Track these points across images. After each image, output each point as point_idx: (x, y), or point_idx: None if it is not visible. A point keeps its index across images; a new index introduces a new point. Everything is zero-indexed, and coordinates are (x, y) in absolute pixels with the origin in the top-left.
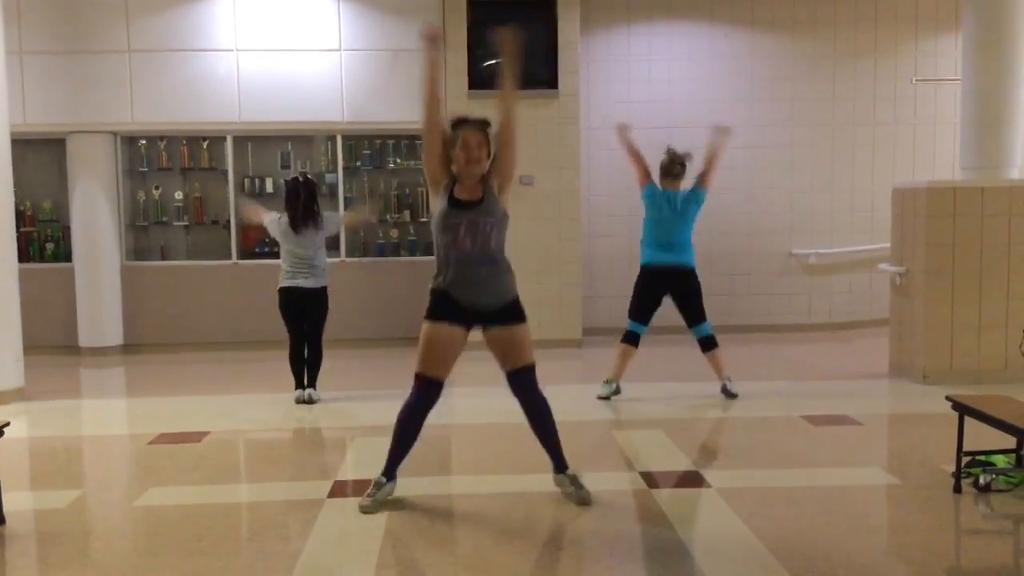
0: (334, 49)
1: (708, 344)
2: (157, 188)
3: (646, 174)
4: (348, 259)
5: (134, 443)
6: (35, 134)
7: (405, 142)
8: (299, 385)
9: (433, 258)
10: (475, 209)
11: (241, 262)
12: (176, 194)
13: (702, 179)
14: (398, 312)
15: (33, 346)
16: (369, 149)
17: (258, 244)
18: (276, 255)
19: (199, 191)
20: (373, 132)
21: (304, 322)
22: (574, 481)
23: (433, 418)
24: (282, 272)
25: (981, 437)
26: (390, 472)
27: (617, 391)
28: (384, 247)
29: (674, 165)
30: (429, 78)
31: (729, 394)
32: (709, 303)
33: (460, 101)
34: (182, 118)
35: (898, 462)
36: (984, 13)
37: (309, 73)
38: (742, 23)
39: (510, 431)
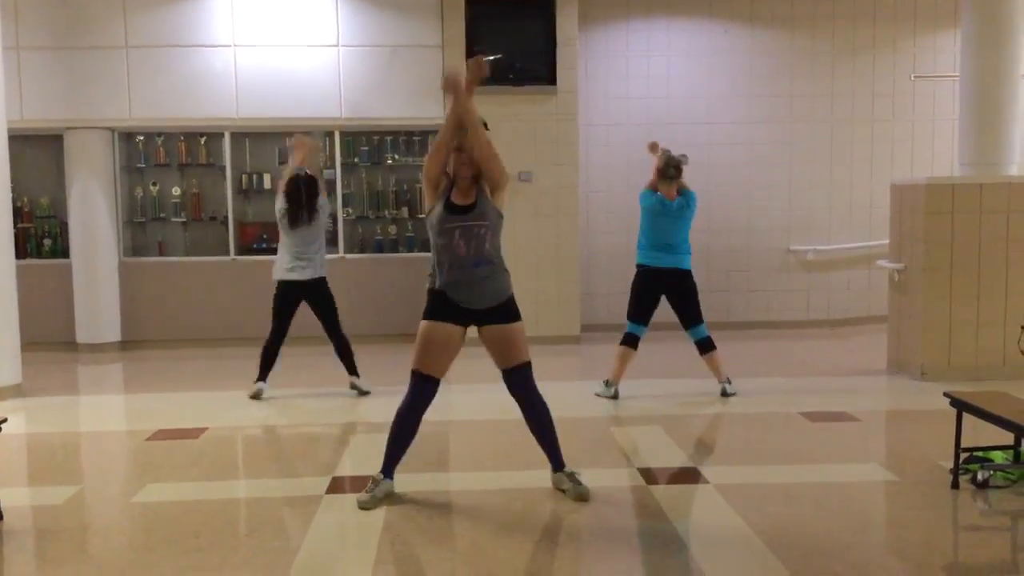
0: (332, 45)
1: (706, 346)
2: (155, 184)
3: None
4: (347, 255)
5: (132, 439)
6: (32, 130)
7: (403, 138)
8: (261, 378)
9: (430, 254)
10: (469, 214)
11: (239, 258)
12: (174, 190)
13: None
14: (396, 308)
15: (31, 342)
16: (367, 145)
17: (256, 240)
18: (274, 251)
19: (197, 187)
20: (371, 128)
21: (292, 319)
22: (572, 477)
23: (431, 414)
24: (279, 264)
25: (979, 433)
26: (388, 469)
27: (615, 396)
28: (382, 243)
29: (669, 168)
30: (451, 126)
31: (728, 396)
32: (707, 300)
33: None
34: (180, 114)
35: (896, 458)
36: (982, 10)
37: (307, 69)
38: (741, 19)
39: (507, 427)
